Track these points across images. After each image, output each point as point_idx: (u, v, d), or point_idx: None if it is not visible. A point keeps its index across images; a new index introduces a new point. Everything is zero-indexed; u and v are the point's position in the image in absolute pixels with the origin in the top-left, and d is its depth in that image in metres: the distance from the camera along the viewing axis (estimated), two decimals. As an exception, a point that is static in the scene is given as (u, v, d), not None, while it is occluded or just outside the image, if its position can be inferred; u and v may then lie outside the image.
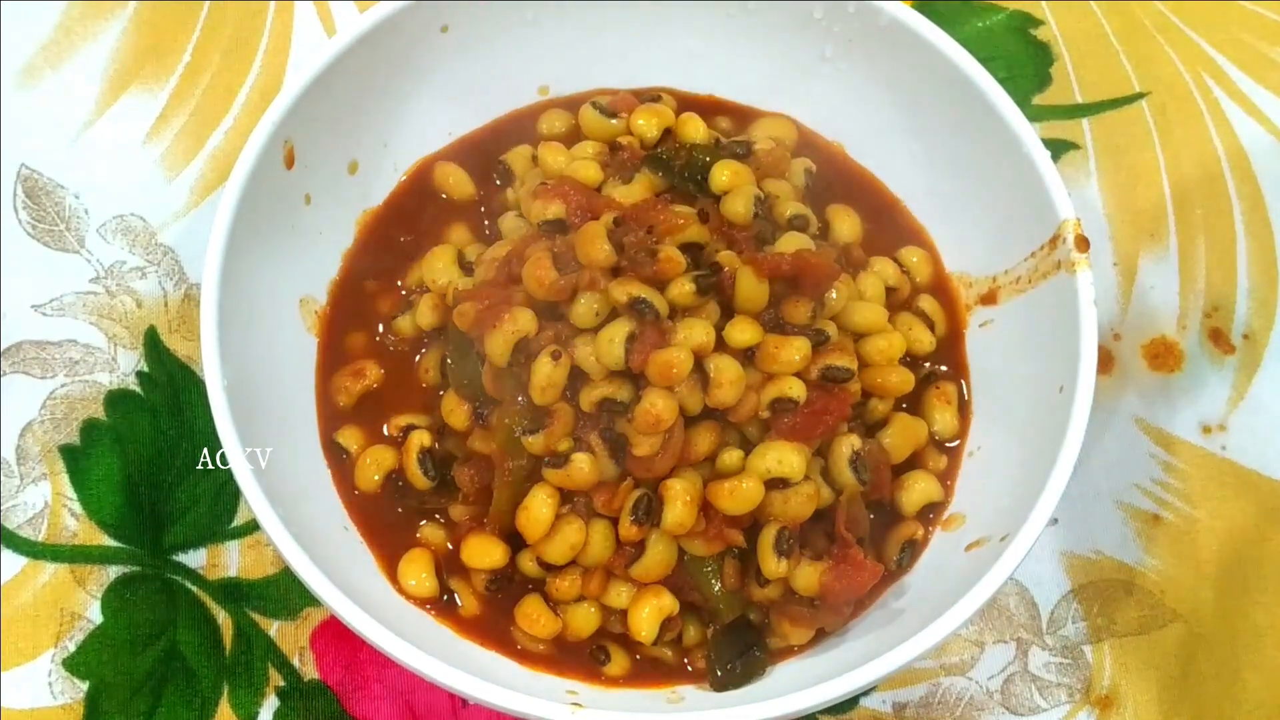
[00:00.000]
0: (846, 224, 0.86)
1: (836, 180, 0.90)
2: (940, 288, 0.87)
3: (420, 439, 0.79)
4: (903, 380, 0.80)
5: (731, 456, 0.75)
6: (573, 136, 0.88)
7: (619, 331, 0.72)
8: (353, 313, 0.85)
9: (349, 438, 0.81)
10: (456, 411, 0.78)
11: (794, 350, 0.74)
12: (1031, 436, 0.77)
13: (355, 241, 0.87)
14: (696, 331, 0.73)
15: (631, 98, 0.88)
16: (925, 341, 0.84)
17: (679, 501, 0.73)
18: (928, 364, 0.84)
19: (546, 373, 0.73)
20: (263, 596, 0.84)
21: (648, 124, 0.84)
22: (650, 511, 0.74)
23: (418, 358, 0.84)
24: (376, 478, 0.80)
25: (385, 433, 0.82)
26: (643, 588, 0.76)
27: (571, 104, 0.90)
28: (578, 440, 0.74)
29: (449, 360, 0.79)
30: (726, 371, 0.73)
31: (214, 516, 0.86)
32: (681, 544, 0.75)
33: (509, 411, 0.75)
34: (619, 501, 0.74)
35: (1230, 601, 0.85)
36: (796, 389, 0.74)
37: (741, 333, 0.74)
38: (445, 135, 0.91)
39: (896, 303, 0.85)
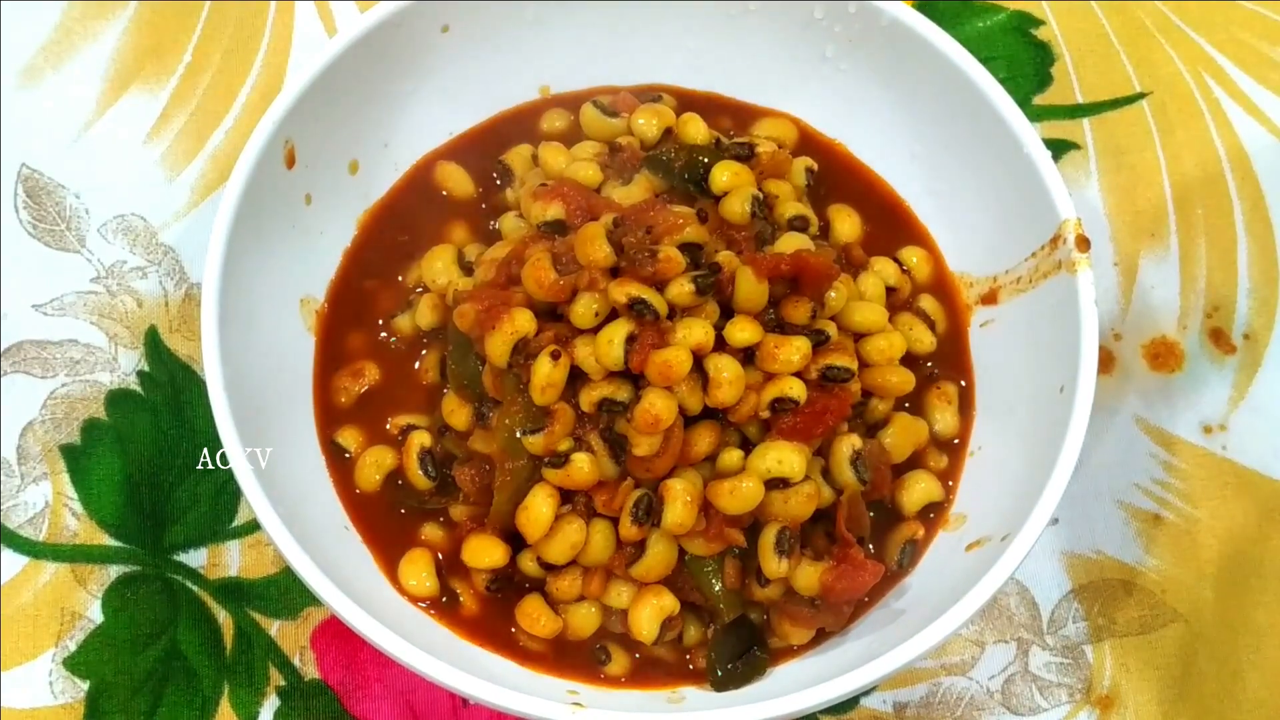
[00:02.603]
0: (847, 224, 0.86)
1: (838, 179, 0.90)
2: (941, 287, 0.87)
3: (420, 439, 0.79)
4: (903, 380, 0.80)
5: (731, 456, 0.75)
6: (573, 135, 0.88)
7: (618, 332, 0.72)
8: (352, 312, 0.85)
9: (349, 438, 0.81)
10: (458, 412, 0.78)
11: (794, 350, 0.74)
12: (1032, 436, 0.77)
13: (354, 240, 0.87)
14: (695, 331, 0.73)
15: (632, 97, 0.88)
16: (926, 341, 0.84)
17: (679, 501, 0.73)
18: (929, 364, 0.84)
19: (546, 373, 0.73)
20: (263, 596, 0.84)
21: (648, 124, 0.85)
22: (650, 511, 0.74)
23: (417, 364, 0.84)
24: (377, 478, 0.80)
25: (386, 431, 0.82)
26: (643, 587, 0.76)
27: (572, 103, 0.90)
28: (578, 440, 0.74)
29: (449, 361, 0.79)
30: (726, 370, 0.73)
31: (214, 516, 0.86)
32: (682, 544, 0.75)
33: (509, 412, 0.75)
34: (619, 501, 0.74)
35: (1230, 601, 0.85)
36: (797, 389, 0.74)
37: (741, 332, 0.74)
38: (445, 135, 0.91)
39: (897, 303, 0.85)
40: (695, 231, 0.76)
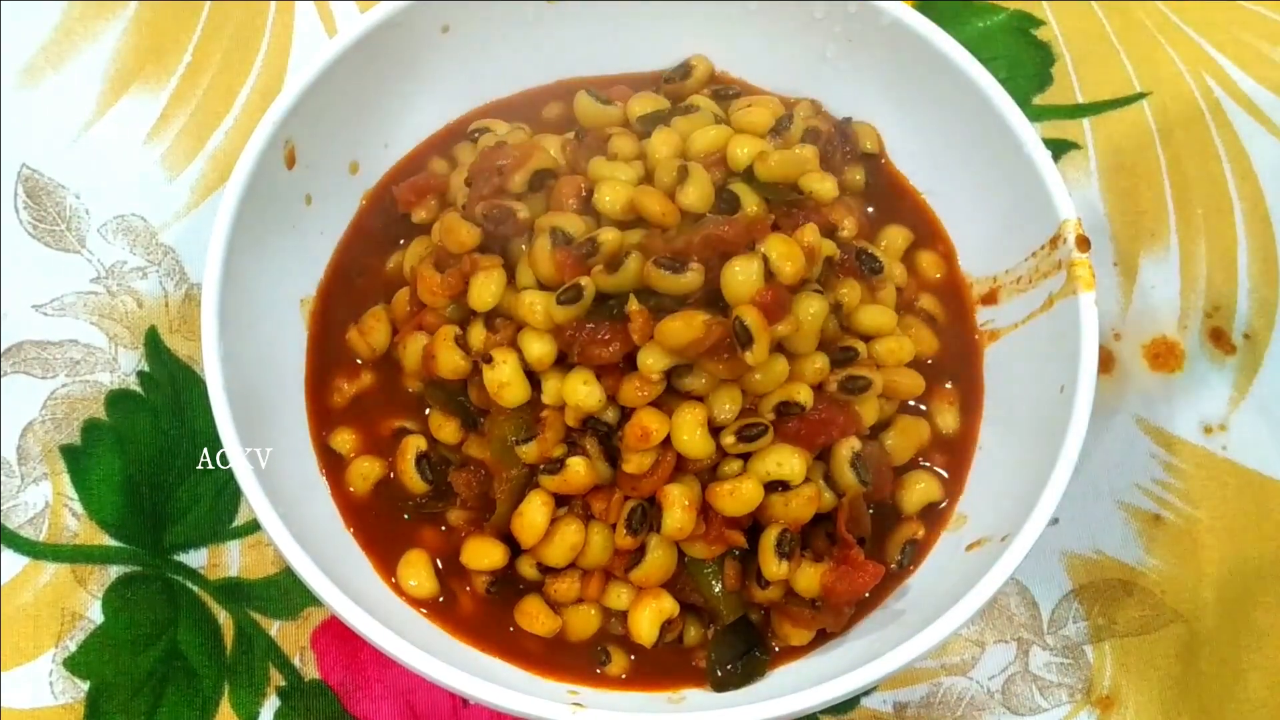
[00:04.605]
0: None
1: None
2: (948, 288, 0.87)
3: (416, 443, 0.79)
4: (913, 383, 0.80)
5: (731, 463, 0.74)
6: (563, 124, 0.88)
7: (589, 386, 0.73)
8: (345, 310, 0.85)
9: (343, 440, 0.81)
10: (445, 427, 0.78)
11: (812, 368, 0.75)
12: (1032, 436, 0.77)
13: (342, 238, 0.87)
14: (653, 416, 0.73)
15: (626, 89, 0.87)
16: (929, 342, 0.84)
17: (677, 507, 0.73)
18: (928, 362, 0.84)
19: (494, 378, 0.73)
20: (263, 596, 0.84)
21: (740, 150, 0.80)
22: (646, 520, 0.74)
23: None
24: (365, 488, 0.80)
25: (381, 433, 0.82)
26: (642, 590, 0.76)
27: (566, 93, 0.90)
28: (571, 445, 0.74)
29: (423, 385, 0.80)
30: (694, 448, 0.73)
31: (215, 516, 0.86)
32: (682, 546, 0.75)
33: (498, 421, 0.75)
34: (613, 515, 0.74)
35: (1230, 601, 0.85)
36: (804, 394, 0.74)
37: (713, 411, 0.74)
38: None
39: (901, 303, 0.84)
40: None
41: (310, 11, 1.02)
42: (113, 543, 0.85)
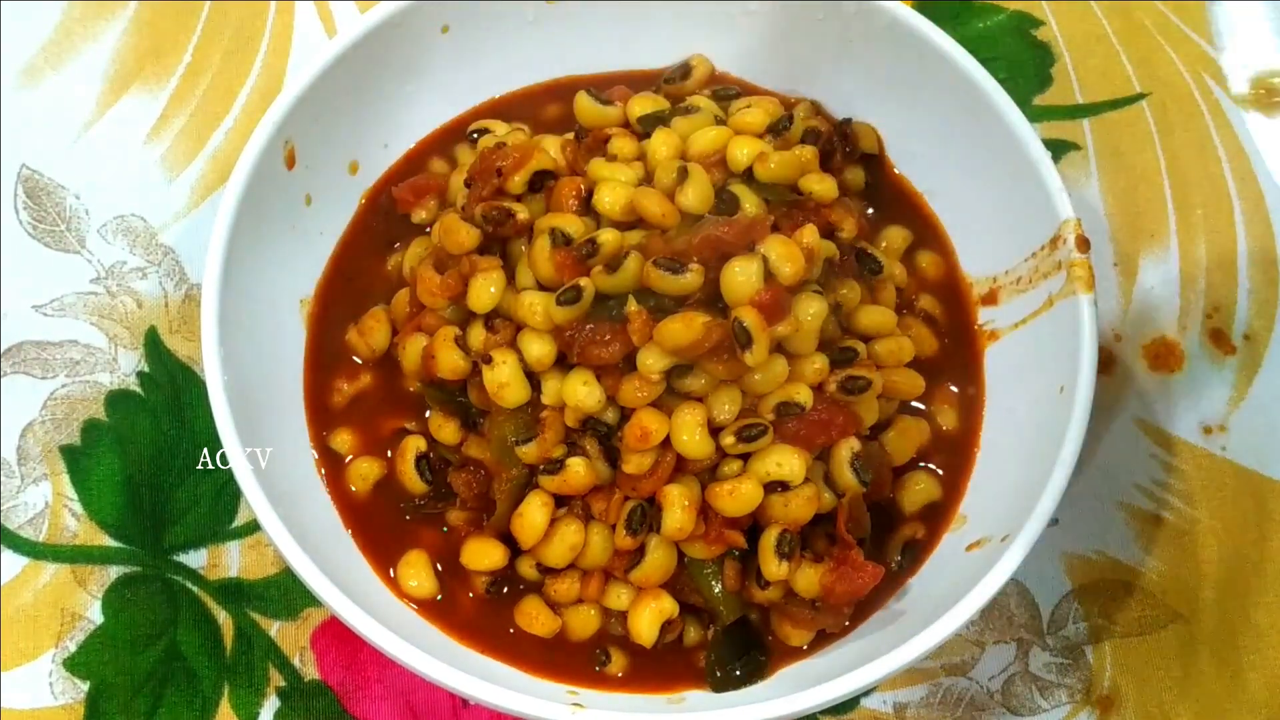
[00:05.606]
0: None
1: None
2: (949, 288, 0.87)
3: (416, 444, 0.79)
4: (913, 384, 0.80)
5: (731, 463, 0.74)
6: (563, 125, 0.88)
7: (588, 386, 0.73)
8: (345, 310, 0.85)
9: (343, 439, 0.81)
10: (445, 428, 0.79)
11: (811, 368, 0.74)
12: (1032, 437, 0.77)
13: (342, 238, 0.87)
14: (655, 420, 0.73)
15: (626, 89, 0.88)
16: (929, 343, 0.84)
17: (677, 507, 0.73)
18: (929, 363, 0.84)
19: (493, 379, 0.73)
20: (263, 597, 0.84)
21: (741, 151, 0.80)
22: (645, 520, 0.74)
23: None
24: (365, 488, 0.80)
25: (381, 433, 0.82)
26: (642, 590, 0.76)
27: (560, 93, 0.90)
28: (571, 445, 0.74)
29: (423, 385, 0.80)
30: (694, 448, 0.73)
31: (214, 517, 0.86)
32: (682, 547, 0.75)
33: (498, 422, 0.75)
34: (613, 515, 0.74)
35: (1230, 601, 0.85)
36: (804, 395, 0.74)
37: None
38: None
39: (901, 304, 0.84)
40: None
41: (310, 11, 1.02)
42: (112, 543, 0.85)
